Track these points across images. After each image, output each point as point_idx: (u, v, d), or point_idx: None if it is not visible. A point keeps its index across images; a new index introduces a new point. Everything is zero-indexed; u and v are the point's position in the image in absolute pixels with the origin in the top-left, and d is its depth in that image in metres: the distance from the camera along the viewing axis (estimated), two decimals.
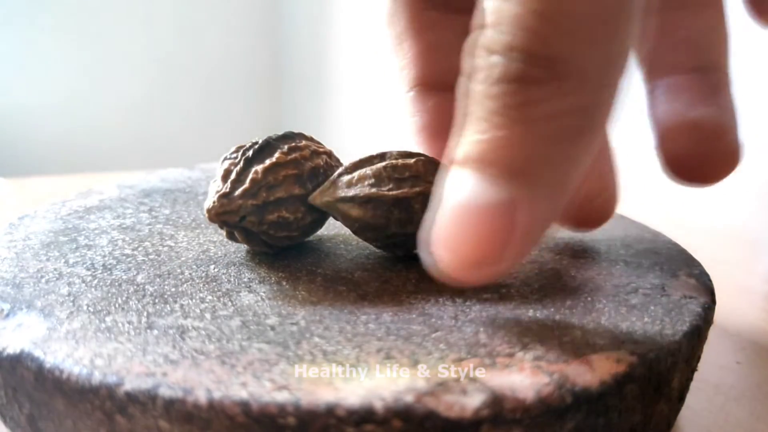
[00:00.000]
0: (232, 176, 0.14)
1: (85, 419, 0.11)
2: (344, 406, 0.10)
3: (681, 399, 0.13)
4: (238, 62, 1.30)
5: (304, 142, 0.15)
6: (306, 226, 0.15)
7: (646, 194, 0.32)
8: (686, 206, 0.31)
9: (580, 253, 0.16)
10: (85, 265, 0.14)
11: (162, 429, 0.10)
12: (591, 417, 0.11)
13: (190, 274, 0.14)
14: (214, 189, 0.14)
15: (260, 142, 0.15)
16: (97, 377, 0.10)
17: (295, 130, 0.16)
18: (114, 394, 0.10)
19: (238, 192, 0.14)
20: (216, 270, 0.15)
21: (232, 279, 0.14)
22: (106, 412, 0.10)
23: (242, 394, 0.10)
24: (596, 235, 0.18)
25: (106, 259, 0.15)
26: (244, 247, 0.16)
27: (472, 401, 0.10)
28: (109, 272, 0.14)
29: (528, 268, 0.15)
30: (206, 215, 0.14)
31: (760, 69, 0.48)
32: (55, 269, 0.14)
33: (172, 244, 0.16)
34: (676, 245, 0.17)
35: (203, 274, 0.14)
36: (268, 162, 0.14)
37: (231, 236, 0.15)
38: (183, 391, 0.10)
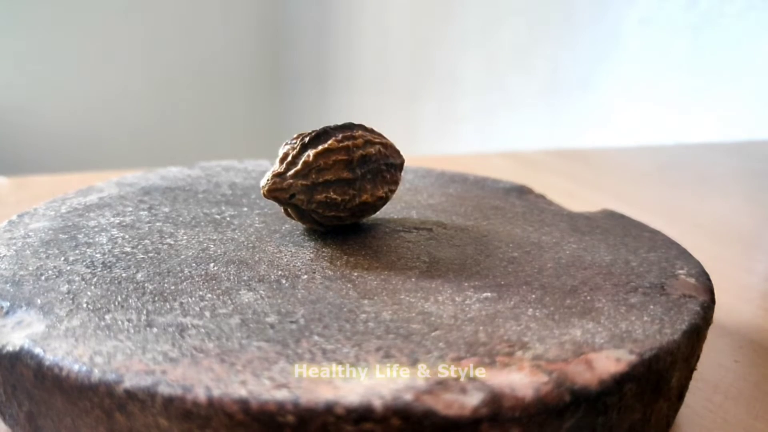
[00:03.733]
0: (288, 159, 0.16)
1: (84, 417, 0.11)
2: (343, 405, 0.10)
3: (680, 398, 0.13)
4: (238, 62, 1.30)
5: (359, 132, 0.16)
6: (355, 207, 0.16)
7: (647, 194, 0.32)
8: (686, 206, 0.31)
9: (580, 252, 0.16)
10: (84, 263, 0.14)
11: (161, 427, 0.10)
12: (590, 416, 0.11)
13: (189, 272, 0.14)
14: (271, 169, 0.16)
15: (319, 130, 0.16)
16: (96, 375, 0.10)
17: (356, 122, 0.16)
18: (113, 391, 0.10)
19: (290, 173, 0.15)
20: (215, 268, 0.15)
21: (231, 277, 0.14)
22: (105, 409, 0.10)
23: (241, 392, 0.10)
24: (596, 235, 0.18)
25: (106, 257, 0.15)
26: (243, 245, 0.16)
27: (471, 400, 0.10)
28: (108, 270, 0.14)
29: (527, 268, 0.15)
30: (261, 192, 0.15)
31: (760, 67, 0.48)
32: (55, 267, 0.14)
33: (172, 242, 0.16)
34: (675, 244, 0.17)
35: (203, 272, 0.14)
36: (320, 147, 0.15)
37: (286, 213, 0.16)
38: (182, 389, 0.10)
